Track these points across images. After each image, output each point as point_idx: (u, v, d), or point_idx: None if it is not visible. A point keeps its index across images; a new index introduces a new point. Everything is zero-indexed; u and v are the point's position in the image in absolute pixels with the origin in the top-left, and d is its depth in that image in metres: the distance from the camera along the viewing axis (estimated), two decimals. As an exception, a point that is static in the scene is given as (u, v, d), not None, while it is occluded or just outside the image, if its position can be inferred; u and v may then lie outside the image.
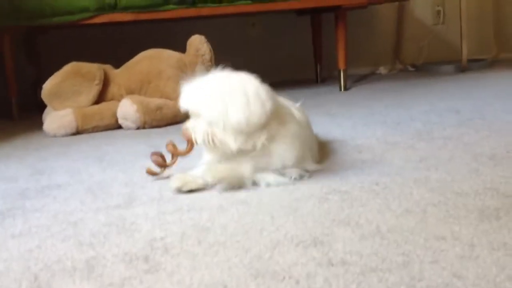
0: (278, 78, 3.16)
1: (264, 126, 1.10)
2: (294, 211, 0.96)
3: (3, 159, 1.59)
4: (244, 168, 1.11)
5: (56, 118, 1.91)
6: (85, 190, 1.19)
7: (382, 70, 3.30)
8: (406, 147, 1.38)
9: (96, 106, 1.98)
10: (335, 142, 1.50)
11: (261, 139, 1.10)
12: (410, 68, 3.30)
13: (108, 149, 1.62)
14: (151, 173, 1.22)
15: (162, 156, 1.22)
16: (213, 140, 1.10)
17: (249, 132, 1.09)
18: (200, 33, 2.23)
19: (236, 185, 1.11)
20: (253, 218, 0.95)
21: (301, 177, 1.15)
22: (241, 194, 1.09)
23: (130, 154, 1.53)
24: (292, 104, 1.32)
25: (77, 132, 1.93)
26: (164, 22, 2.68)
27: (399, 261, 0.73)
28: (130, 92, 2.03)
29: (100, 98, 2.01)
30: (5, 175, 1.38)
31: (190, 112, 1.14)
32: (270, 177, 1.12)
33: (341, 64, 2.58)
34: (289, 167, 1.14)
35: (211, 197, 1.09)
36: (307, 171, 1.17)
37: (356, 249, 0.78)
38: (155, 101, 1.97)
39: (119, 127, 1.99)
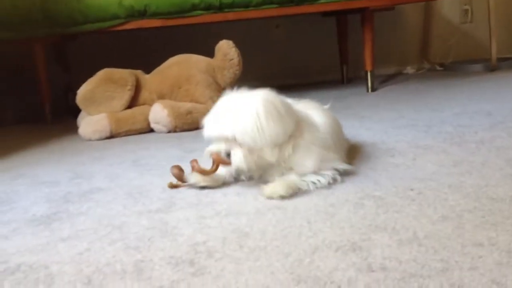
0: (303, 80, 3.19)
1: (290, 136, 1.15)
2: (330, 217, 0.99)
3: (42, 163, 1.65)
4: (292, 178, 1.15)
5: (91, 123, 1.97)
6: (126, 195, 1.23)
7: (409, 69, 3.30)
8: (438, 151, 1.39)
9: (128, 111, 2.03)
10: (366, 146, 1.52)
11: (288, 149, 1.16)
12: (438, 68, 3.29)
13: (142, 154, 1.66)
14: (172, 186, 1.25)
15: (181, 170, 1.25)
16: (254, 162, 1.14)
17: (283, 142, 1.13)
18: (224, 34, 2.27)
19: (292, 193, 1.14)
20: (291, 223, 0.98)
21: (334, 180, 1.18)
22: (278, 200, 1.11)
23: (164, 158, 1.57)
24: (318, 107, 1.35)
25: (111, 136, 1.98)
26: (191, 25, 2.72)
27: (438, 267, 0.75)
28: (161, 96, 2.08)
29: (132, 102, 2.06)
30: (46, 179, 1.44)
31: (218, 138, 1.16)
32: (312, 178, 1.16)
33: (368, 66, 2.59)
34: (309, 174, 1.17)
35: (247, 201, 1.12)
36: (337, 171, 1.20)
37: (395, 255, 0.80)
38: (185, 105, 2.01)
39: (151, 130, 2.04)
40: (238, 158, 1.14)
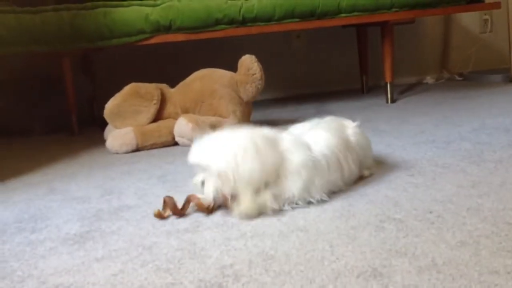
0: (323, 89, 3.22)
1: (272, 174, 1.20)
2: (352, 240, 1.03)
3: (73, 177, 1.71)
4: (267, 199, 1.20)
5: (118, 136, 2.03)
6: (154, 213, 1.29)
7: (429, 79, 3.31)
8: (457, 170, 1.42)
9: (154, 124, 2.10)
10: (386, 164, 1.55)
11: (265, 196, 1.20)
12: (457, 78, 3.30)
13: (169, 168, 1.72)
14: (159, 216, 1.25)
15: (172, 200, 1.26)
16: (223, 195, 1.20)
17: (260, 182, 1.18)
18: (245, 44, 2.32)
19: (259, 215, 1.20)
20: (313, 246, 1.02)
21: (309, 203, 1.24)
22: (300, 221, 1.16)
23: (190, 175, 1.62)
24: (330, 125, 1.38)
25: (137, 149, 2.04)
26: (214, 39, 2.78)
27: (455, 296, 0.79)
28: (185, 110, 2.14)
29: (158, 116, 2.12)
30: (78, 195, 1.50)
31: (200, 166, 1.24)
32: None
33: (388, 77, 2.62)
34: (299, 196, 1.22)
35: (271, 223, 1.16)
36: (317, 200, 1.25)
37: (414, 282, 0.84)
38: (209, 119, 2.07)
39: (175, 144, 2.10)
40: (208, 188, 1.21)
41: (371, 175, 1.44)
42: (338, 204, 1.24)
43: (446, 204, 1.18)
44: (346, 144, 1.36)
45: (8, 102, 2.56)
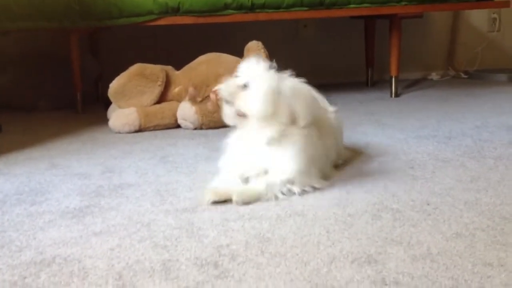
0: (329, 80, 3.22)
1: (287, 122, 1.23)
2: (348, 227, 1.04)
3: (75, 154, 1.72)
4: (261, 187, 1.21)
5: (121, 116, 2.04)
6: (154, 192, 1.30)
7: (434, 76, 3.30)
8: (457, 165, 1.42)
9: (157, 106, 2.10)
10: (387, 155, 1.56)
11: (275, 128, 1.23)
12: (463, 75, 3.29)
13: (170, 150, 1.73)
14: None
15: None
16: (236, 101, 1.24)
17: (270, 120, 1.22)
18: (252, 31, 2.31)
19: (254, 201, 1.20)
20: (310, 231, 1.03)
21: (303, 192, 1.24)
22: (298, 206, 1.17)
23: (191, 157, 1.63)
24: (325, 107, 1.42)
25: (140, 130, 2.05)
26: (221, 24, 2.77)
27: (448, 285, 0.80)
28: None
29: (162, 98, 2.12)
30: (79, 171, 1.51)
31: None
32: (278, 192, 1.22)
33: (393, 71, 2.61)
34: (291, 181, 1.22)
35: (269, 206, 1.17)
36: (313, 187, 1.25)
37: (408, 270, 0.85)
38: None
39: (178, 126, 2.10)
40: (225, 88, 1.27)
41: (343, 163, 1.47)
42: (336, 192, 1.25)
43: (444, 197, 1.18)
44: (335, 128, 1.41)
45: (15, 77, 2.56)
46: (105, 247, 0.98)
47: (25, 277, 0.87)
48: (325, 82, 3.19)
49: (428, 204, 1.14)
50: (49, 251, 0.97)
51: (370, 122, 2.05)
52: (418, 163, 1.46)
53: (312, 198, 1.22)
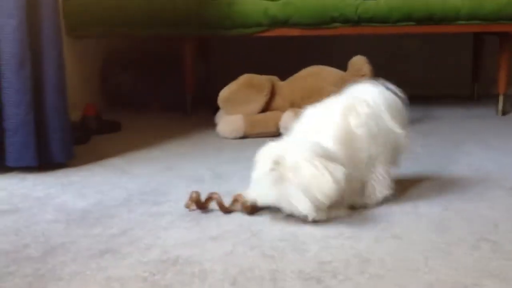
0: (432, 92, 3.18)
1: None
2: (446, 255, 1.08)
3: (187, 157, 1.89)
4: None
5: (228, 122, 2.18)
6: (260, 202, 1.41)
7: (545, 93, 3.16)
8: (562, 198, 1.41)
9: (262, 114, 2.22)
10: (489, 180, 1.56)
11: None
12: None
13: (273, 159, 1.84)
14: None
15: (198, 195, 1.33)
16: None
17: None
18: (356, 42, 2.34)
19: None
20: (407, 255, 1.09)
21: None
22: (395, 228, 1.22)
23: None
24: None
25: (244, 136, 2.18)
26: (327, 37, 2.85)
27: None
28: (292, 104, 2.24)
29: (266, 107, 2.24)
30: (192, 175, 1.66)
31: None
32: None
33: (501, 89, 2.55)
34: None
35: (368, 226, 1.24)
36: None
37: (503, 305, 0.89)
38: (315, 115, 2.16)
39: (279, 135, 2.21)
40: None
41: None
42: (433, 217, 1.29)
43: (546, 232, 1.19)
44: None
45: (134, 78, 2.80)
46: (220, 252, 1.11)
47: (154, 274, 1.01)
48: (429, 94, 3.17)
49: (528, 238, 1.16)
50: (172, 251, 1.11)
51: (474, 142, 2.03)
52: (521, 193, 1.46)
53: (408, 220, 1.27)
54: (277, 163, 1.20)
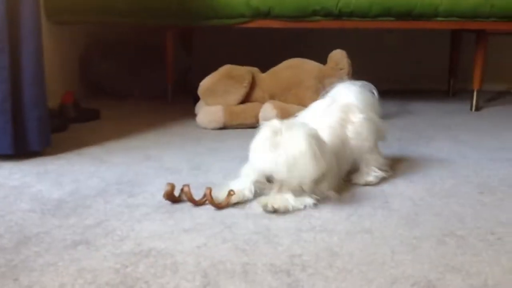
0: (410, 86, 3.23)
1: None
2: (413, 249, 1.12)
3: (166, 147, 1.90)
4: (290, 199, 1.33)
5: (208, 113, 2.20)
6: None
7: (520, 89, 3.23)
8: (528, 195, 1.45)
9: (241, 106, 2.24)
10: (459, 176, 1.60)
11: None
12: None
13: (251, 151, 1.86)
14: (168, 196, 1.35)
15: (173, 187, 1.36)
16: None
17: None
18: (336, 36, 2.37)
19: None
20: (376, 250, 1.12)
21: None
22: (366, 222, 1.26)
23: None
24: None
25: (224, 127, 2.20)
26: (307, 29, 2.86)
27: (499, 319, 0.87)
28: (272, 96, 2.26)
29: (246, 98, 2.26)
30: (170, 166, 1.67)
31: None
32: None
33: (476, 84, 2.60)
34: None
35: (340, 220, 1.27)
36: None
37: (463, 300, 0.93)
38: (293, 108, 2.17)
39: (258, 126, 2.23)
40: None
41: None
42: (404, 212, 1.33)
43: (509, 228, 1.23)
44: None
45: (115, 66, 2.79)
46: (193, 244, 1.13)
47: (126, 266, 1.03)
48: (406, 89, 3.21)
49: (492, 234, 1.20)
50: (146, 243, 1.13)
51: (446, 138, 2.08)
52: (488, 188, 1.50)
53: (380, 215, 1.30)
54: (275, 132, 1.32)
